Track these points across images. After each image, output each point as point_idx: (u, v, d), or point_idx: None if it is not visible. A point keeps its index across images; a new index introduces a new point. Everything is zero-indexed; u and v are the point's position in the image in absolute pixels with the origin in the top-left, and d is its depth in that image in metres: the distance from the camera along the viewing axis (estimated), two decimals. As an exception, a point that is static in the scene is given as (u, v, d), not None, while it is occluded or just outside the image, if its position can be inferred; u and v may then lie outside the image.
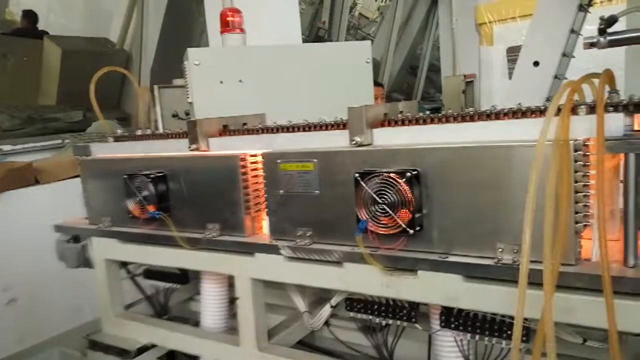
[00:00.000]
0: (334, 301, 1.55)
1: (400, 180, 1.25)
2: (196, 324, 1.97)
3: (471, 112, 1.32)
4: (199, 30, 6.31)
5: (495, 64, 3.85)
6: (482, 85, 4.48)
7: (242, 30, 2.52)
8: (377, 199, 1.28)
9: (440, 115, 1.35)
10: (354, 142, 1.39)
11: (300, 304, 1.70)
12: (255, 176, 1.58)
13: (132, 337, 1.99)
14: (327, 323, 1.84)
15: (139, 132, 1.99)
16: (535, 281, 1.04)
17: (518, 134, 1.19)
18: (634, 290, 1.03)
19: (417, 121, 1.36)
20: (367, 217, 1.30)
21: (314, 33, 9.04)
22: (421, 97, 9.69)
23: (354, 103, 1.47)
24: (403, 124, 1.39)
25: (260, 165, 1.55)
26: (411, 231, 1.26)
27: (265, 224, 1.60)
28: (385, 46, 8.55)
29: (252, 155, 1.58)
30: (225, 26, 2.51)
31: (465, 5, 6.75)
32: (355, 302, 1.50)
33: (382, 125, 1.44)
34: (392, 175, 1.26)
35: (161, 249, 1.78)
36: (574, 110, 1.15)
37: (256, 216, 1.61)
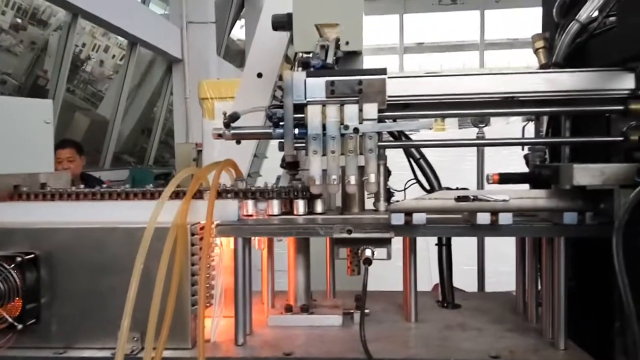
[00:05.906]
0: None
1: (8, 267, 1.08)
2: None
3: (118, 190, 1.26)
4: None
5: (216, 138, 4.04)
6: (205, 156, 4.67)
7: None
8: (-22, 288, 1.07)
9: (76, 191, 1.25)
10: (-41, 219, 1.15)
11: None
12: None
13: None
14: None
15: None
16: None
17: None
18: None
19: (45, 196, 1.23)
20: (-36, 311, 1.07)
21: (32, 81, 7.97)
22: (154, 161, 9.46)
23: (28, 167, 1.25)
24: (30, 198, 1.23)
25: None
26: (20, 326, 1.08)
27: None
28: (114, 105, 8.12)
29: None
30: None
31: (197, 78, 7.01)
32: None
33: (12, 199, 1.26)
34: (-1, 260, 1.08)
35: None
36: (200, 195, 1.21)
37: None
